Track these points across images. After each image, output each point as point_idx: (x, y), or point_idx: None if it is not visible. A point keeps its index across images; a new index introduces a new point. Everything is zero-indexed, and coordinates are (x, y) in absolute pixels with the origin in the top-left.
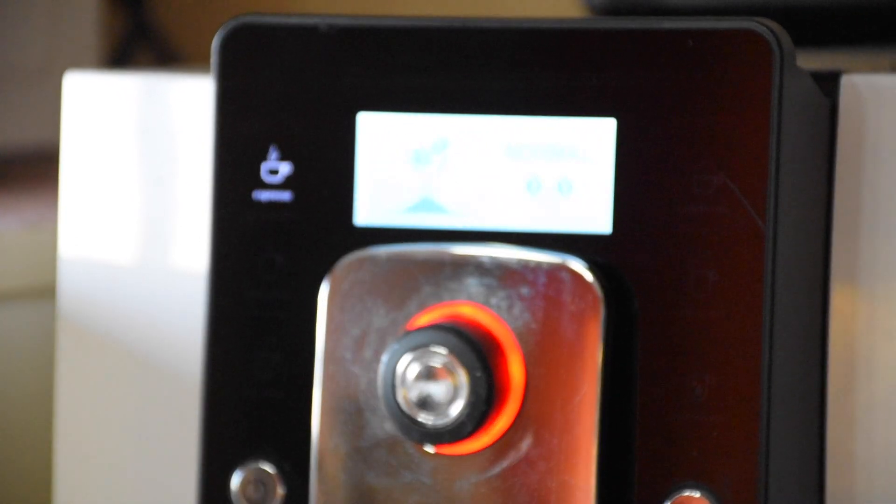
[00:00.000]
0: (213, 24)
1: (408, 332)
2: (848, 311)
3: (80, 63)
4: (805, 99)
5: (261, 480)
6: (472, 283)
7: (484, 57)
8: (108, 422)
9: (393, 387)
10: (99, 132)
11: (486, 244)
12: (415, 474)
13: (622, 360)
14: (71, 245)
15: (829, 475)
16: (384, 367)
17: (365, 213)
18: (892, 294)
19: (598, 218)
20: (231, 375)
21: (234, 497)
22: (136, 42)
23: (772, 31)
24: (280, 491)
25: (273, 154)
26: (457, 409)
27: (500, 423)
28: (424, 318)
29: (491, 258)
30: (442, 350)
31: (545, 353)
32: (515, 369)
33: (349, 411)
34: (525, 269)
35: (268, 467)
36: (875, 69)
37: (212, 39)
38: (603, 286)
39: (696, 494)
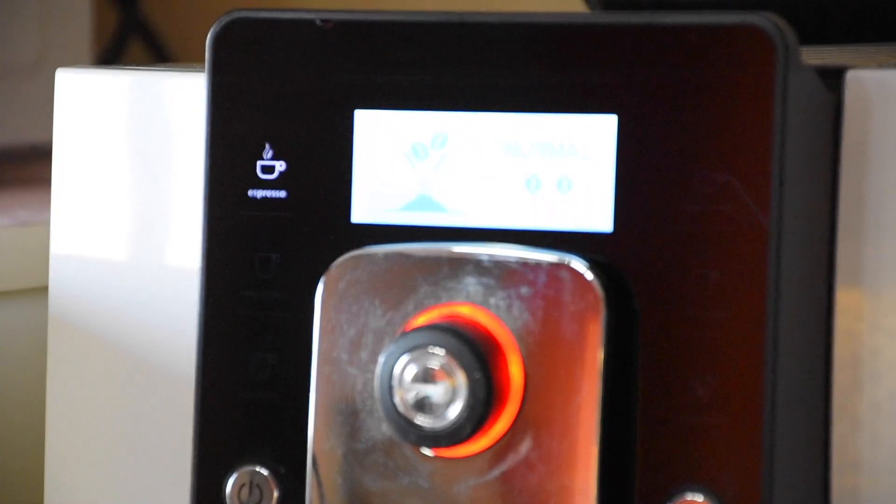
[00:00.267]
0: (205, 21)
1: (405, 333)
2: (853, 310)
3: (73, 60)
4: (809, 95)
5: (256, 483)
6: (471, 283)
7: (482, 53)
8: (100, 420)
9: (390, 388)
10: (91, 130)
11: (485, 243)
12: (412, 477)
13: (623, 361)
14: (63, 243)
15: (834, 477)
16: (381, 369)
17: (361, 210)
18: None
19: (598, 216)
20: (225, 376)
21: (228, 500)
22: (129, 39)
23: (776, 25)
24: (275, 494)
25: (268, 151)
26: (455, 411)
27: (499, 426)
28: (422, 319)
29: (489, 257)
30: (440, 351)
31: (545, 353)
32: (514, 370)
33: (345, 413)
34: (524, 268)
35: (263, 470)
36: (881, 65)
37: (205, 36)
38: (603, 285)
39: (699, 497)
